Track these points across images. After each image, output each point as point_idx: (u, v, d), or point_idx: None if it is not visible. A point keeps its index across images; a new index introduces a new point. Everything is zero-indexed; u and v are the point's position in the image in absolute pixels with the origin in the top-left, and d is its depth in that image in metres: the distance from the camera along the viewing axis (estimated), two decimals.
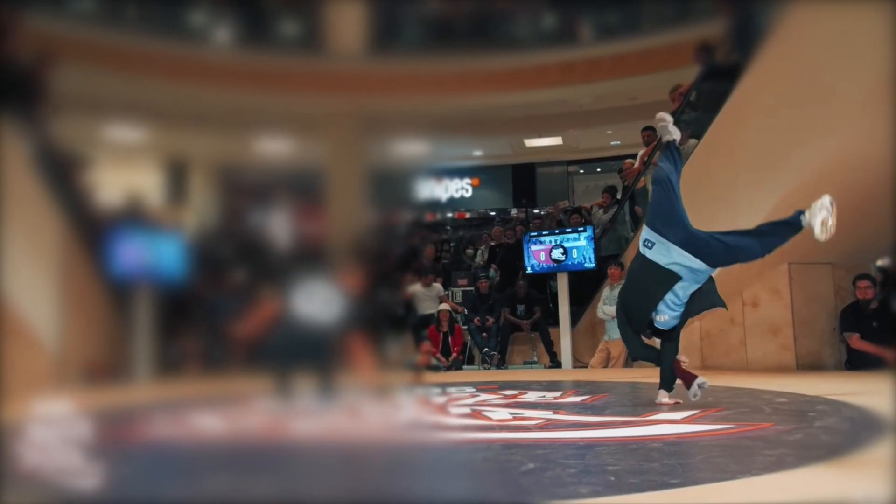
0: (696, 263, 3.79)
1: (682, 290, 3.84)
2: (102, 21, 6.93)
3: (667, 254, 3.79)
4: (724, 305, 4.06)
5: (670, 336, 4.04)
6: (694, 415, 3.62)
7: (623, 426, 3.41)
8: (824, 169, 5.33)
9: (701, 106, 6.80)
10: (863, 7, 4.71)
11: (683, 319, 4.00)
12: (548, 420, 3.63)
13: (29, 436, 2.37)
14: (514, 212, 12.17)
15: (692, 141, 6.59)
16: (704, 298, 3.96)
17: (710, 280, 3.97)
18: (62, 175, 5.99)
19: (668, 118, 4.09)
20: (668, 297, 3.83)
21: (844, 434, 3.06)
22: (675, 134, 4.07)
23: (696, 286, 3.86)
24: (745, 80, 5.80)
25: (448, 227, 12.50)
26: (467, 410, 4.05)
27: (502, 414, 3.86)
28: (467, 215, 13.04)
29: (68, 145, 6.19)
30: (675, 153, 4.05)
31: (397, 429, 3.66)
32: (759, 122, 5.72)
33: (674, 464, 2.52)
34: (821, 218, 3.66)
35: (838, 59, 4.95)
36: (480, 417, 3.79)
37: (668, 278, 3.79)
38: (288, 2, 8.13)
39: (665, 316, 3.87)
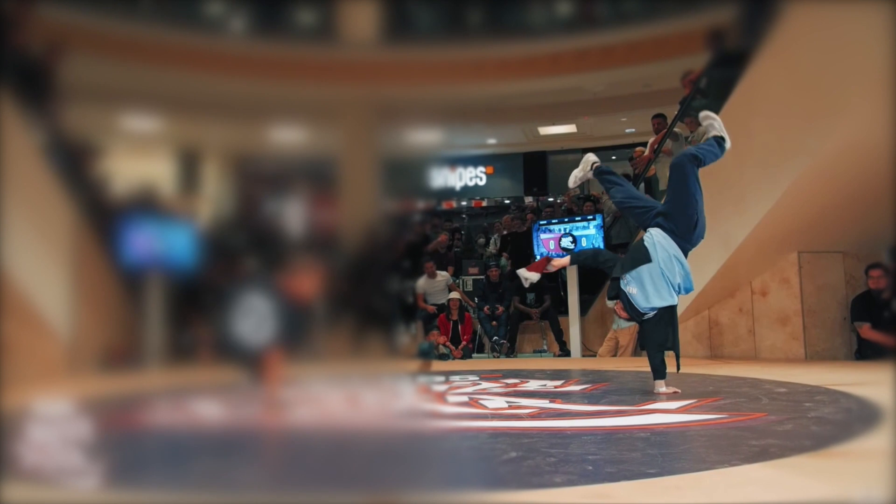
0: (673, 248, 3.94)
1: (649, 274, 3.91)
2: (117, 11, 7.00)
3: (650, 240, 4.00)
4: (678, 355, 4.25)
5: (651, 337, 4.15)
6: (690, 404, 3.63)
7: (616, 415, 3.42)
8: (833, 156, 5.30)
9: (711, 93, 6.74)
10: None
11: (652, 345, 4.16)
12: (542, 409, 3.66)
13: (30, 434, 2.39)
14: (528, 200, 12.15)
15: (701, 128, 6.53)
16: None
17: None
18: (74, 164, 6.09)
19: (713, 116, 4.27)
20: (634, 274, 3.95)
21: (835, 425, 3.03)
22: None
23: (664, 278, 3.91)
24: (754, 67, 5.75)
25: (464, 216, 12.53)
26: (465, 399, 4.08)
27: (498, 402, 3.89)
28: (484, 203, 13.05)
29: (81, 135, 6.28)
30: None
31: (389, 417, 3.71)
32: (767, 109, 5.67)
33: (655, 454, 2.54)
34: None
35: (848, 46, 4.89)
36: (476, 406, 3.82)
37: (641, 257, 3.94)
38: None
39: (633, 289, 3.95)
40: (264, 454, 2.92)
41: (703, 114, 4.26)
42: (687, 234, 3.95)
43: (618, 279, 4.00)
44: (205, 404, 4.03)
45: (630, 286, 3.93)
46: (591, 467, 2.34)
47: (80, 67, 6.07)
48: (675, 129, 7.16)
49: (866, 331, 5.96)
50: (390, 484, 2.30)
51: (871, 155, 5.23)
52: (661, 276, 3.88)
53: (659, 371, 4.10)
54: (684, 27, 7.96)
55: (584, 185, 12.81)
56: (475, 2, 8.63)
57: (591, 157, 4.51)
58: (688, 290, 4.03)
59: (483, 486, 2.26)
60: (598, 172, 4.42)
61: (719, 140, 4.14)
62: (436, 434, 3.24)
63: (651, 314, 4.00)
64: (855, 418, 3.13)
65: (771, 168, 5.59)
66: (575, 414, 3.53)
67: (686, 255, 4.00)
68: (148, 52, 6.86)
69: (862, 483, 2.05)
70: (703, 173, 6.06)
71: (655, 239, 3.93)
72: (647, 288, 3.89)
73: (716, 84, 6.64)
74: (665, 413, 3.39)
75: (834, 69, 5.03)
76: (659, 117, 7.69)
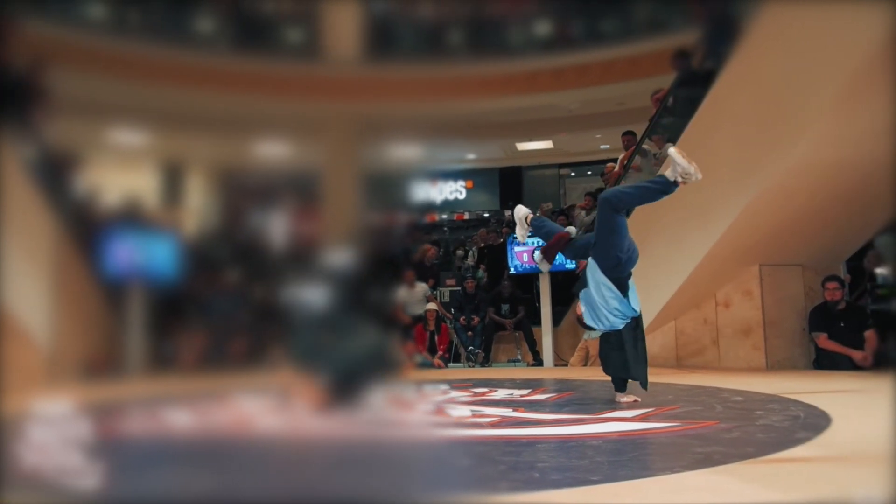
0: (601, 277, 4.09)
1: (587, 297, 4.13)
2: (103, 27, 7.10)
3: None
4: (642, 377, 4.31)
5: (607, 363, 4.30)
6: (646, 413, 3.73)
7: (573, 424, 3.53)
8: (791, 173, 5.47)
9: (677, 111, 6.93)
10: (829, 17, 4.84)
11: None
12: (503, 417, 3.74)
13: (25, 435, 2.43)
14: (508, 213, 12.33)
15: (667, 145, 6.72)
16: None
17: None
18: (57, 177, 6.17)
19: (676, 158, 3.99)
20: (581, 295, 4.17)
21: (780, 432, 3.13)
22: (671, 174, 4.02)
23: (598, 305, 4.09)
24: (717, 86, 5.94)
25: (445, 229, 12.70)
26: (432, 408, 4.19)
27: (463, 411, 3.98)
28: (466, 216, 13.24)
29: (65, 148, 6.37)
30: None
31: (352, 426, 3.76)
32: (729, 128, 5.86)
33: (603, 461, 2.63)
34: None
35: (806, 66, 5.07)
36: (441, 415, 3.93)
37: (584, 281, 4.17)
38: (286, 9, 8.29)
39: (581, 307, 4.20)
40: (231, 464, 2.95)
41: (669, 150, 4.08)
42: (610, 269, 4.06)
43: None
44: (184, 413, 4.03)
45: (580, 304, 4.14)
46: (537, 475, 2.41)
47: (66, 82, 6.16)
48: (644, 146, 7.34)
49: (823, 341, 6.14)
50: (341, 492, 2.36)
51: (828, 173, 5.44)
52: (595, 301, 4.06)
53: (618, 384, 4.28)
54: (656, 47, 8.18)
55: (559, 198, 13.09)
56: (456, 22, 8.79)
57: (521, 211, 4.60)
58: (633, 313, 4.14)
59: (426, 493, 2.33)
60: (536, 228, 4.57)
61: (666, 181, 4.03)
62: (393, 443, 3.33)
63: (600, 332, 4.20)
64: (800, 426, 3.23)
65: (733, 183, 5.77)
66: (535, 422, 3.61)
67: (625, 279, 4.10)
68: (134, 67, 6.96)
69: (798, 488, 2.15)
70: None
71: (589, 267, 4.13)
72: (586, 309, 4.12)
73: (682, 102, 6.83)
74: (621, 421, 3.49)
75: (795, 88, 5.20)
76: (629, 134, 7.87)
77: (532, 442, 3.13)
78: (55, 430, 2.41)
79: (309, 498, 2.32)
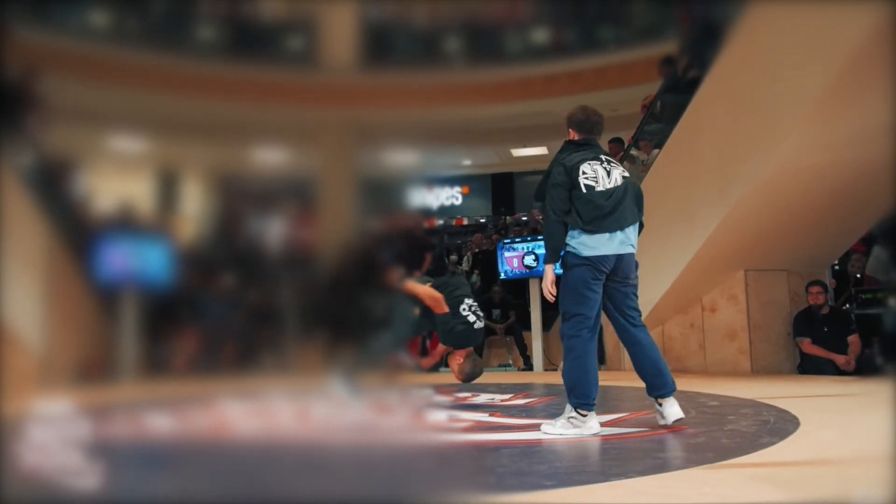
0: None
1: None
2: (99, 35, 7.20)
3: None
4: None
5: None
6: (619, 418, 3.78)
7: None
8: (774, 179, 5.49)
9: (664, 117, 6.98)
10: (810, 21, 4.88)
11: None
12: (478, 422, 3.81)
13: (24, 436, 2.48)
14: (508, 219, 12.42)
15: (655, 151, 6.79)
16: None
17: None
18: (51, 183, 6.27)
19: None
20: None
21: (745, 437, 3.15)
22: None
23: None
24: (701, 92, 5.99)
25: (444, 234, 12.78)
26: (410, 413, 4.25)
27: (441, 416, 4.05)
28: (465, 222, 13.34)
29: (61, 155, 6.47)
30: None
31: (329, 430, 3.83)
32: (713, 133, 5.91)
33: (561, 466, 2.69)
34: None
35: (787, 71, 5.10)
36: (418, 419, 4.01)
37: None
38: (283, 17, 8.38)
39: None
40: (210, 467, 3.01)
41: None
42: None
43: None
44: (173, 417, 4.11)
45: None
46: (493, 479, 2.47)
47: (62, 89, 6.25)
48: (632, 153, 7.38)
49: (807, 346, 6.15)
50: (289, 495, 2.41)
51: (810, 177, 5.47)
52: None
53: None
54: (648, 54, 8.24)
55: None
56: (451, 29, 8.88)
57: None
58: None
59: (376, 497, 2.37)
60: None
61: None
62: (361, 447, 3.38)
63: None
64: (767, 431, 3.26)
65: (716, 189, 5.81)
66: (508, 427, 3.65)
67: None
68: (131, 74, 7.05)
69: (747, 494, 2.18)
70: (657, 193, 6.34)
71: None
72: None
73: (669, 108, 6.88)
74: None
75: (774, 93, 5.23)
76: (615, 141, 7.86)
77: (499, 447, 3.19)
78: (55, 432, 2.45)
79: (273, 499, 2.38)
